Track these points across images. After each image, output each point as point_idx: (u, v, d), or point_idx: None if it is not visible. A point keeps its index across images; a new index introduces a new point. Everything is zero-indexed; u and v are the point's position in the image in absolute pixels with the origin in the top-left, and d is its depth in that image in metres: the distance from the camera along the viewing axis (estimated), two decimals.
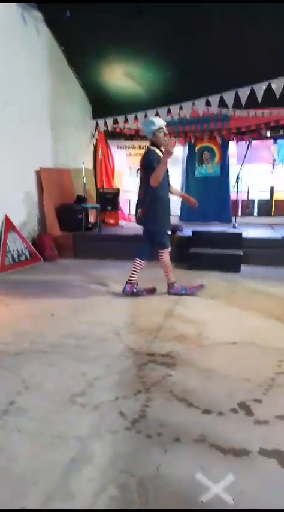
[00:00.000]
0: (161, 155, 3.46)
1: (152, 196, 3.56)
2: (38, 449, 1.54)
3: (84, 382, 2.08)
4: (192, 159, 7.77)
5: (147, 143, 7.90)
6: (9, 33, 5.13)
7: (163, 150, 3.45)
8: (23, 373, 2.18)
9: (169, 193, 3.74)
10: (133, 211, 8.48)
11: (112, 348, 2.55)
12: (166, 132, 3.56)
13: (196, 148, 7.73)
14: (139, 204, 3.80)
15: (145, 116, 5.75)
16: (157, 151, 3.54)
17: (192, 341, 2.67)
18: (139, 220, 3.81)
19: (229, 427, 1.69)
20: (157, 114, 5.76)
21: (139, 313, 3.28)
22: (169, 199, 3.74)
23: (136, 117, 5.85)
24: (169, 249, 3.75)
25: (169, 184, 3.73)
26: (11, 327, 2.96)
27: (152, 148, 3.57)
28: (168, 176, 3.67)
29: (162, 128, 3.50)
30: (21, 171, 5.55)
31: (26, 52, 5.54)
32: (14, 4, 5.17)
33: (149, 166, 3.46)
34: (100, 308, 3.45)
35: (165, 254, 3.74)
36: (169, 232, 3.79)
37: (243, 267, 4.93)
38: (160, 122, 3.55)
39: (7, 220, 5.15)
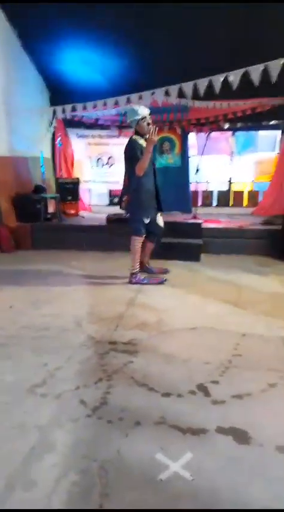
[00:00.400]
0: (144, 144, 3.48)
1: (136, 184, 3.62)
2: None
3: (45, 373, 2.06)
4: (153, 149, 7.79)
5: (106, 132, 7.92)
6: None
7: (147, 138, 3.46)
8: None
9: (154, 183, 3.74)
10: (93, 202, 8.40)
11: (73, 338, 2.54)
12: (150, 121, 3.55)
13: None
14: (124, 191, 3.92)
15: (104, 104, 5.66)
16: (141, 140, 3.55)
17: (153, 328, 2.72)
18: (124, 208, 3.91)
19: (188, 408, 1.75)
20: (116, 103, 5.69)
21: (100, 303, 3.27)
22: (153, 188, 3.75)
23: (95, 106, 5.75)
24: (141, 238, 3.78)
25: (155, 174, 3.75)
26: None
27: (134, 137, 3.59)
28: (153, 165, 3.72)
29: (145, 117, 3.52)
30: None
31: None
32: None
33: (132, 155, 3.52)
34: (60, 299, 3.40)
35: (137, 241, 3.76)
36: (147, 221, 3.76)
37: (203, 256, 5.06)
38: (144, 111, 3.54)
39: None
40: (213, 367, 2.14)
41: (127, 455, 1.44)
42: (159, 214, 3.91)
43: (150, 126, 3.49)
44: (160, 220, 3.96)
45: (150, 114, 3.60)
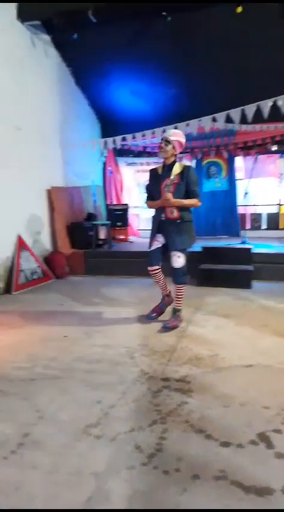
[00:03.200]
0: (160, 171, 3.35)
1: None
2: (54, 488, 1.51)
3: (99, 411, 2.05)
4: (199, 174, 7.80)
5: (154, 160, 8.08)
6: (19, 57, 5.26)
7: (165, 160, 3.32)
8: (38, 402, 2.16)
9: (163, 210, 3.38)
10: (141, 227, 8.53)
11: (126, 372, 2.52)
12: (161, 143, 3.28)
13: (203, 163, 7.76)
14: None
15: (153, 133, 5.80)
16: (159, 168, 3.39)
17: (207, 364, 2.63)
18: None
19: (250, 462, 1.64)
20: (163, 131, 5.80)
21: (151, 333, 3.25)
22: (158, 216, 3.41)
23: (143, 135, 5.91)
24: (150, 268, 3.49)
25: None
26: (24, 350, 2.95)
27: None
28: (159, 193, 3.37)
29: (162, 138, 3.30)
30: (32, 191, 5.63)
31: (36, 75, 5.68)
32: (24, 28, 5.31)
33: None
34: (112, 328, 3.42)
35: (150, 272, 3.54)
36: (150, 249, 3.48)
37: (254, 283, 4.87)
38: (166, 133, 3.41)
39: (20, 240, 5.21)
40: (273, 413, 2.01)
41: None
42: (172, 254, 3.37)
43: (162, 147, 3.23)
44: (174, 260, 3.38)
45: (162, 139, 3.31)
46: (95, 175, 7.57)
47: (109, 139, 6.05)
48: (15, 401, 2.18)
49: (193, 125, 5.39)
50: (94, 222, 6.37)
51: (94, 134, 7.56)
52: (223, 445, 1.75)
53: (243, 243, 5.92)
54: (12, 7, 5.08)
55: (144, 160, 8.10)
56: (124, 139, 6.02)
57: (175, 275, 3.42)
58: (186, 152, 7.78)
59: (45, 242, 5.99)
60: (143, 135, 5.90)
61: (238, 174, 7.78)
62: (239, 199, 7.43)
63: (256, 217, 8.05)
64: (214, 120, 5.37)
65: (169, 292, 3.65)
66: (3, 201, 4.86)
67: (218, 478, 1.54)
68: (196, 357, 2.75)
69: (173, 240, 3.32)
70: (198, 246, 5.80)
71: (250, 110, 4.75)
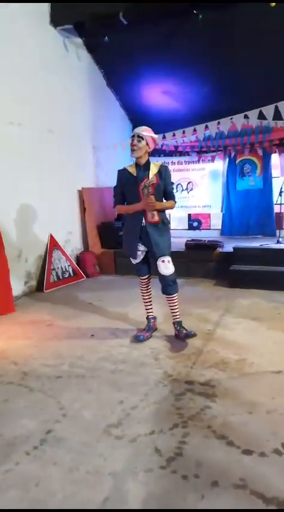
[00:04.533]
0: (132, 171, 3.03)
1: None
2: (73, 486, 1.53)
3: (121, 412, 2.06)
4: (233, 173, 7.62)
5: (185, 159, 8.01)
6: (52, 61, 5.40)
7: (139, 160, 3.01)
8: (62, 400, 2.22)
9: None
10: (173, 226, 8.46)
11: (150, 374, 2.52)
12: (132, 140, 2.96)
13: (237, 162, 7.57)
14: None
15: (183, 132, 5.74)
16: (131, 168, 3.06)
17: (233, 368, 2.57)
18: None
19: (272, 472, 1.58)
20: (194, 130, 5.73)
21: None
22: (137, 230, 3.05)
23: (174, 134, 5.87)
24: (140, 278, 3.31)
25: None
26: (52, 348, 3.04)
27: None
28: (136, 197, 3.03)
29: (133, 135, 2.98)
30: (64, 191, 5.76)
31: (68, 78, 5.80)
32: (56, 32, 5.44)
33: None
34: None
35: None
36: (133, 261, 3.23)
37: None
38: (135, 130, 3.02)
39: (52, 239, 5.35)
40: None
41: None
42: (160, 260, 3.03)
43: (134, 145, 2.92)
44: (163, 266, 3.04)
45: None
46: None
47: None
48: (40, 398, 2.25)
49: (225, 123, 5.27)
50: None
51: (126, 135, 7.59)
52: (245, 453, 1.70)
53: (278, 243, 5.72)
54: (45, 13, 5.22)
55: (175, 159, 8.04)
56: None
57: (165, 284, 3.08)
58: (219, 150, 7.63)
59: (76, 242, 6.11)
60: (173, 135, 5.86)
61: (274, 171, 7.51)
62: (275, 197, 7.17)
63: None
64: (246, 117, 5.24)
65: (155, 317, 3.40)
66: (36, 201, 5.01)
67: (238, 486, 1.50)
68: (222, 361, 2.69)
69: (157, 244, 3.00)
70: (229, 247, 5.69)
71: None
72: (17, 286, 4.64)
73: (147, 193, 2.92)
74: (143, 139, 2.96)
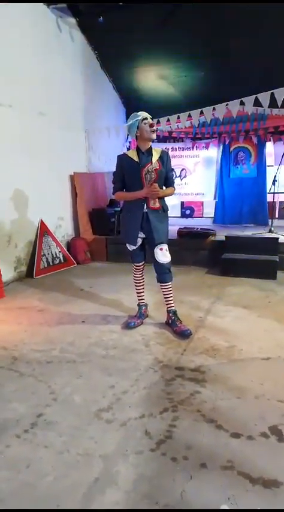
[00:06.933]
0: (134, 156, 2.93)
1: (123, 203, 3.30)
2: (64, 467, 1.55)
3: (111, 396, 2.08)
4: (227, 160, 7.59)
5: (179, 145, 7.93)
6: (44, 41, 5.24)
7: (142, 145, 2.93)
8: (53, 384, 2.22)
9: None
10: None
11: (140, 360, 2.54)
12: (152, 123, 2.89)
13: (231, 149, 7.54)
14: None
15: (178, 118, 5.67)
16: (132, 152, 2.98)
17: (223, 355, 2.60)
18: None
19: (259, 454, 1.62)
20: (189, 116, 5.66)
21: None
22: (139, 207, 3.01)
23: (168, 120, 5.79)
24: (134, 265, 3.30)
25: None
26: (43, 334, 3.03)
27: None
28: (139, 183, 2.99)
29: (146, 118, 2.87)
30: (55, 176, 5.66)
31: (61, 59, 5.64)
32: (49, 11, 5.27)
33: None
34: (130, 314, 3.44)
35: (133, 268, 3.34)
36: (130, 248, 3.19)
37: (280, 274, 4.74)
38: (144, 114, 2.90)
39: (42, 224, 5.29)
40: None
41: (191, 501, 1.37)
42: (158, 247, 3.02)
43: (154, 127, 2.88)
44: (161, 254, 3.03)
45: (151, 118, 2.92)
46: None
47: None
48: (31, 383, 2.25)
49: (220, 109, 5.21)
50: (117, 209, 6.35)
51: (119, 119, 7.48)
52: (233, 436, 1.73)
53: (270, 232, 5.75)
54: None
55: (169, 145, 7.97)
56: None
57: (162, 272, 3.07)
58: (213, 137, 7.58)
59: (68, 227, 6.05)
60: (168, 120, 5.78)
61: (268, 160, 7.50)
62: (268, 186, 7.18)
63: None
64: (241, 103, 5.18)
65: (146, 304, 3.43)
66: (26, 186, 4.91)
67: (226, 467, 1.53)
68: (212, 348, 2.72)
69: (157, 231, 2.98)
70: (221, 235, 5.70)
71: (280, 94, 4.53)
72: (7, 272, 4.60)
73: (150, 179, 2.92)
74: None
